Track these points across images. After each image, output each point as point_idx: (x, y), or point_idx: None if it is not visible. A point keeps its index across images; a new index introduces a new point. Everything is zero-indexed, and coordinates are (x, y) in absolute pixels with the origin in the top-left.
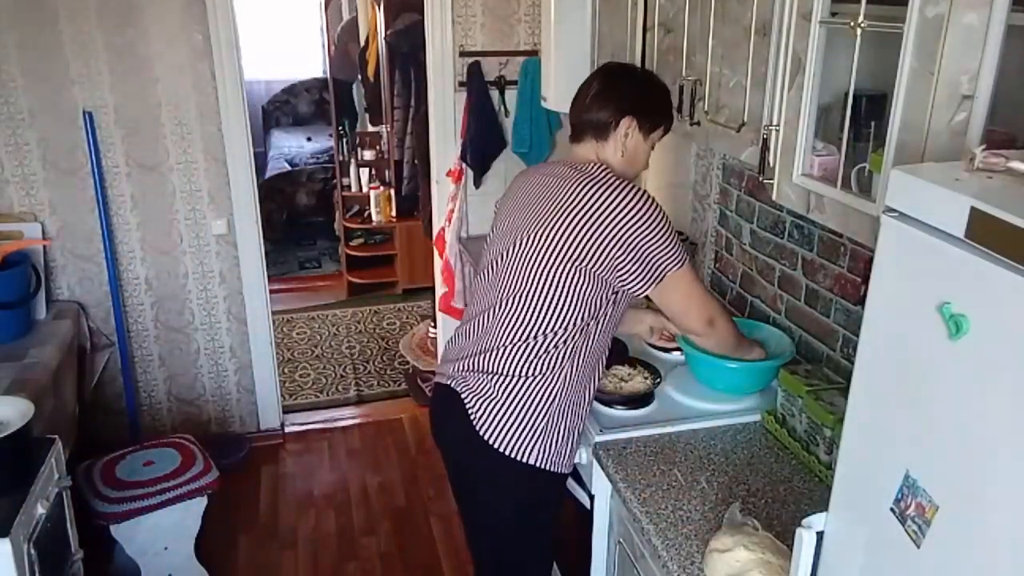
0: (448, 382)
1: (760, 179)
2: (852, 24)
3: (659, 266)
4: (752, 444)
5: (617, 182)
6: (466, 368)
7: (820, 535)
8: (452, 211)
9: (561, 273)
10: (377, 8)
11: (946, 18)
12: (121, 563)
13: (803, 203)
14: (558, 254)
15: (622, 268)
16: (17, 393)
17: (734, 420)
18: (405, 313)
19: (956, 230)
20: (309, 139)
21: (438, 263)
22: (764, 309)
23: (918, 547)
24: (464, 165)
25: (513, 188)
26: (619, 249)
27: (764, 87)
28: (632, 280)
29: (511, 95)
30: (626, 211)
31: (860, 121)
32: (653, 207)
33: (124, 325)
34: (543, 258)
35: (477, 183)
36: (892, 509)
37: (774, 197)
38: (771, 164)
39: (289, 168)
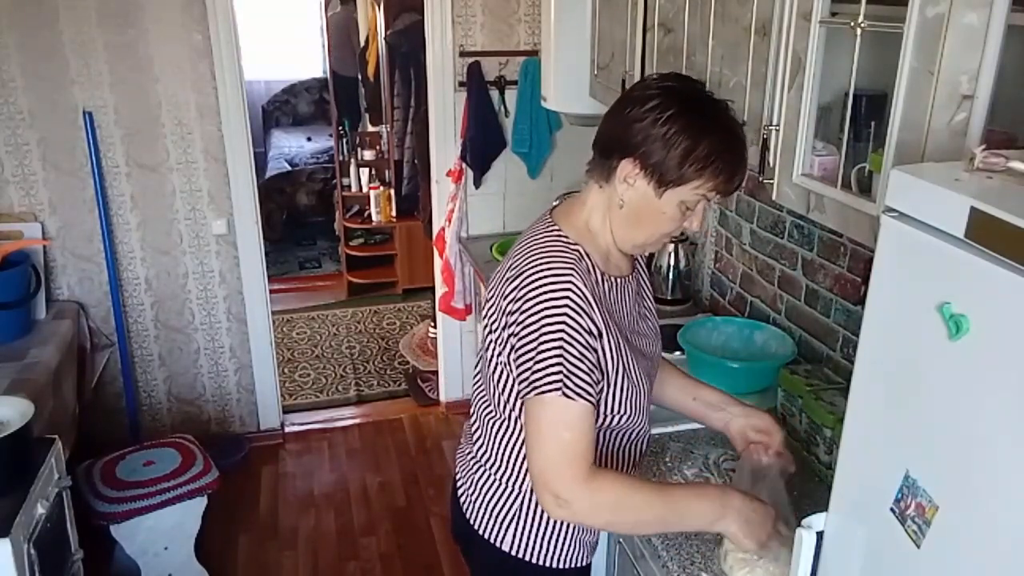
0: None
1: (760, 179)
2: (852, 24)
3: (527, 381)
4: None
5: (533, 271)
6: (467, 421)
7: (820, 535)
8: (452, 211)
9: (494, 362)
10: (377, 8)
11: (946, 18)
12: (121, 563)
13: (803, 203)
14: (488, 339)
15: (516, 368)
16: (17, 393)
17: None
18: (405, 313)
19: (956, 230)
20: (309, 139)
21: (438, 263)
22: (764, 309)
23: (918, 547)
24: (464, 165)
25: None
26: (515, 343)
27: (764, 87)
28: (517, 384)
29: (511, 95)
30: (521, 307)
31: (860, 121)
32: (550, 317)
33: (124, 325)
34: (485, 340)
35: (477, 183)
36: (892, 509)
37: (774, 197)
38: (771, 164)
39: (289, 168)
